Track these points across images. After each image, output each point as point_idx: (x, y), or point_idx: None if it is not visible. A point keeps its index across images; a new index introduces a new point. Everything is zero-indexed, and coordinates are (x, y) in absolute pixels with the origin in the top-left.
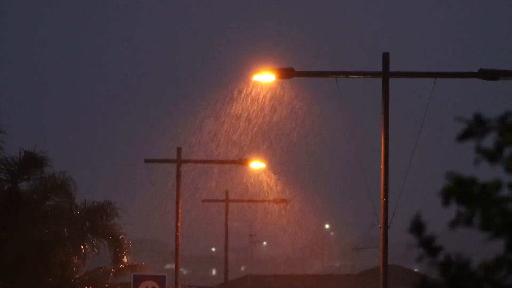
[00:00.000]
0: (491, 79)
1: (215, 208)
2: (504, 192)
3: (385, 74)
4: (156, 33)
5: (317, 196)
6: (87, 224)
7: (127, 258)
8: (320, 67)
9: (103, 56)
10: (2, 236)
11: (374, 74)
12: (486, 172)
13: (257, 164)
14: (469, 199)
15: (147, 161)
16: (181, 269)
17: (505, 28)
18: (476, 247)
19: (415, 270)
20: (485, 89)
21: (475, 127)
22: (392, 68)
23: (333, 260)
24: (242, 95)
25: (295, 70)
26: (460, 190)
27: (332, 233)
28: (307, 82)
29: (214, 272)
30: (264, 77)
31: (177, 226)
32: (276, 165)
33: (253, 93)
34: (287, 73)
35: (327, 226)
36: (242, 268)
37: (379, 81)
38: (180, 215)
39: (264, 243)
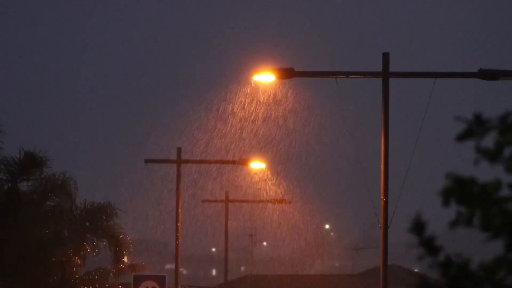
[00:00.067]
0: (491, 79)
1: (215, 208)
2: (504, 192)
3: (385, 74)
4: (156, 33)
5: (317, 196)
6: (87, 224)
7: (127, 258)
8: (320, 67)
9: (103, 56)
10: (2, 236)
11: (374, 74)
12: (486, 172)
13: (257, 164)
14: (469, 199)
15: (147, 161)
16: (181, 269)
17: (505, 28)
18: (476, 247)
19: (415, 270)
20: (485, 89)
21: (475, 127)
22: (392, 68)
23: (333, 260)
24: (242, 95)
25: (295, 70)
26: (460, 190)
27: (332, 233)
28: (307, 82)
29: (214, 272)
30: (264, 77)
31: (177, 226)
32: (276, 165)
33: (253, 93)
34: (287, 73)
35: (327, 226)
36: (242, 268)
37: (379, 81)
38: (180, 215)
39: (264, 243)
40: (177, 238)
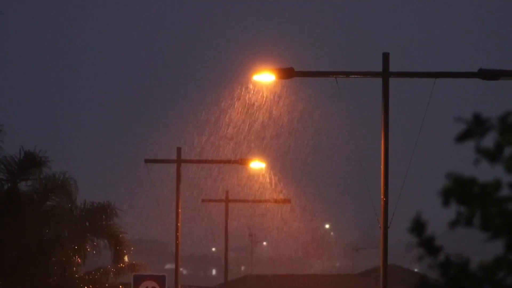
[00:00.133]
0: (491, 79)
1: (215, 208)
2: (504, 192)
3: (385, 74)
4: (156, 33)
5: (317, 196)
6: (87, 224)
7: (127, 257)
8: (320, 67)
9: (103, 56)
10: (2, 236)
11: (374, 74)
12: (486, 172)
13: (257, 164)
14: (469, 199)
15: (147, 161)
16: (181, 269)
17: (505, 28)
18: (476, 247)
19: (415, 270)
20: (485, 89)
21: (475, 127)
22: (392, 68)
23: (333, 260)
24: (242, 95)
25: (295, 70)
26: (460, 190)
27: (332, 233)
28: (307, 82)
29: (214, 272)
30: (264, 77)
31: (177, 226)
32: (276, 165)
33: (253, 93)
34: (287, 73)
35: (327, 226)
36: (242, 268)
37: (379, 81)
38: (180, 215)
39: (264, 243)
40: (177, 238)
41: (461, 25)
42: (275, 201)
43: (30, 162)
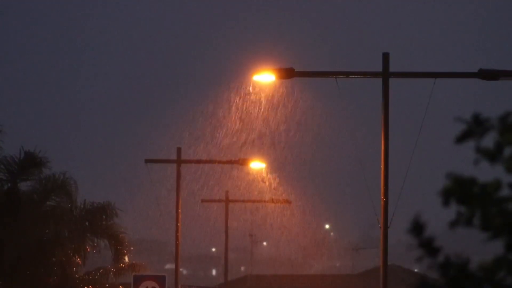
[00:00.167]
0: (491, 79)
1: (215, 208)
2: (504, 192)
3: (385, 74)
4: (156, 33)
5: (317, 196)
6: (87, 224)
7: (127, 257)
8: (320, 67)
9: (103, 56)
10: (2, 236)
11: (374, 74)
12: (486, 172)
13: (257, 164)
14: (469, 199)
15: (147, 161)
16: (181, 269)
17: (505, 28)
18: (476, 247)
19: (415, 270)
20: (485, 89)
21: (475, 127)
22: (392, 68)
23: (333, 260)
24: (242, 95)
25: (295, 70)
26: (460, 190)
27: (332, 233)
28: (307, 82)
29: (214, 272)
30: (264, 77)
31: (177, 226)
32: (276, 165)
33: (253, 93)
34: (287, 73)
35: (327, 226)
36: (242, 268)
37: (379, 81)
38: (180, 215)
39: (264, 243)
40: (177, 238)
41: (461, 25)
42: (275, 201)
43: (30, 162)
